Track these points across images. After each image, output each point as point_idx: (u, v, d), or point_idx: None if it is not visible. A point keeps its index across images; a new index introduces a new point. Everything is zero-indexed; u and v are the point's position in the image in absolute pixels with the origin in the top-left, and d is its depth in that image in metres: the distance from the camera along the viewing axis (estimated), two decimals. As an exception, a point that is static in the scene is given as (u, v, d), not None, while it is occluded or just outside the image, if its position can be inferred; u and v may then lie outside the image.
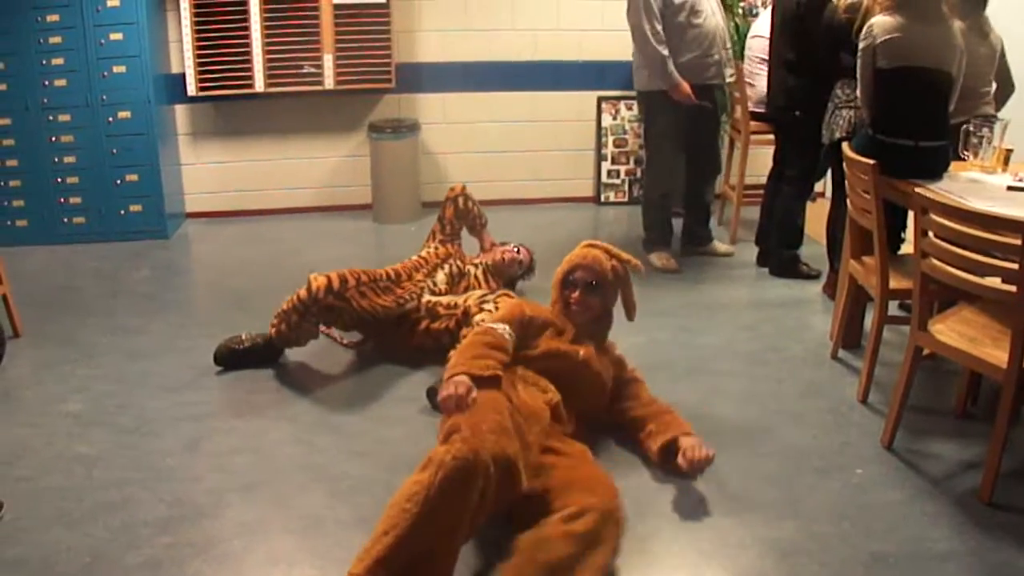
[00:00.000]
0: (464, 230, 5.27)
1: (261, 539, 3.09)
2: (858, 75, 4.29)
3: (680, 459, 3.43)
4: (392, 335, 4.60)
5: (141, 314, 5.25)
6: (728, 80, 5.88)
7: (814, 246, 5.93)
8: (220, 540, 3.08)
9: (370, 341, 4.72)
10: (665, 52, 5.46)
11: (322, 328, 4.60)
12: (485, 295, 4.49)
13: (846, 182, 4.29)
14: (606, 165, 7.55)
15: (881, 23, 4.14)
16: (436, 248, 5.04)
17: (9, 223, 6.47)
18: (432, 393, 3.94)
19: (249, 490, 3.41)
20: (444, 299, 4.59)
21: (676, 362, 4.55)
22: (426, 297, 4.59)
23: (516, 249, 5.19)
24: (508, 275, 5.13)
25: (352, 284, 4.33)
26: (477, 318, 4.23)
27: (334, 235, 6.79)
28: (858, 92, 4.38)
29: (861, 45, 4.22)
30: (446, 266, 4.90)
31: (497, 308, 4.22)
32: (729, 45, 5.81)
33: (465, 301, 4.47)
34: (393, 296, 4.51)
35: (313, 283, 4.26)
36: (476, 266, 5.02)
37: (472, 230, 5.28)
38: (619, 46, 6.96)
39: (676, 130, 5.73)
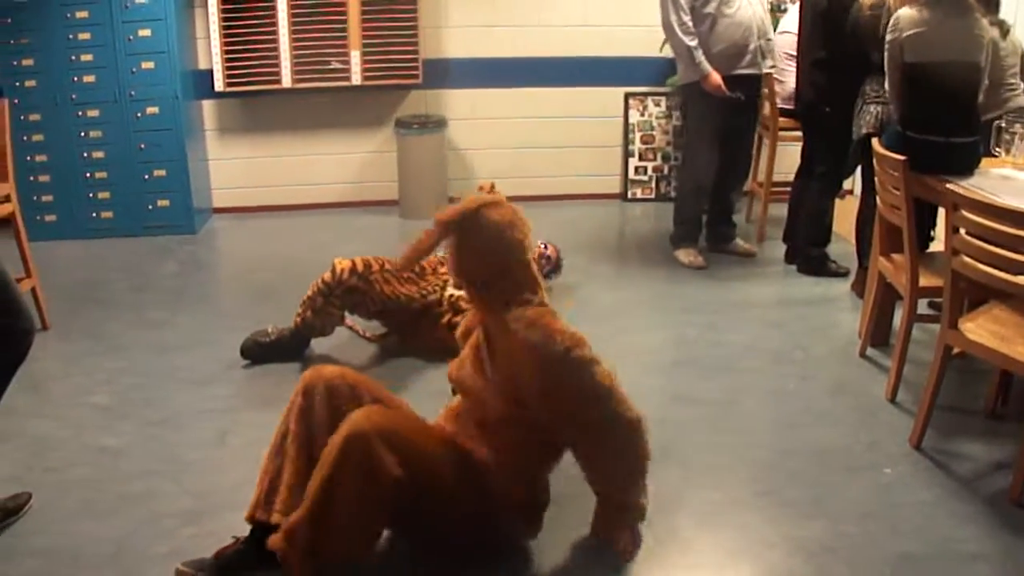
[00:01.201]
0: None
1: (286, 532, 3.09)
2: (885, 70, 4.26)
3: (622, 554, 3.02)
4: (415, 329, 4.61)
5: (168, 308, 5.28)
6: (766, 71, 5.83)
7: (842, 243, 5.89)
8: (244, 533, 3.08)
9: (393, 335, 4.72)
10: (692, 43, 5.45)
11: (346, 321, 4.63)
12: None
13: (875, 179, 4.26)
14: (633, 161, 7.53)
15: (907, 16, 4.11)
16: None
17: (38, 218, 6.50)
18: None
19: (274, 483, 3.41)
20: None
21: (703, 359, 4.54)
22: (449, 291, 4.59)
23: (543, 245, 5.18)
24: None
25: (376, 268, 4.39)
26: None
27: (360, 231, 6.79)
28: (886, 87, 4.34)
29: (888, 39, 4.19)
30: None
31: None
32: (771, 36, 5.78)
33: None
34: (417, 287, 4.54)
35: (337, 266, 4.34)
36: None
37: None
38: (647, 42, 6.98)
39: (712, 123, 5.71)
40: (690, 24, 5.46)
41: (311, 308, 4.39)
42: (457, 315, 4.50)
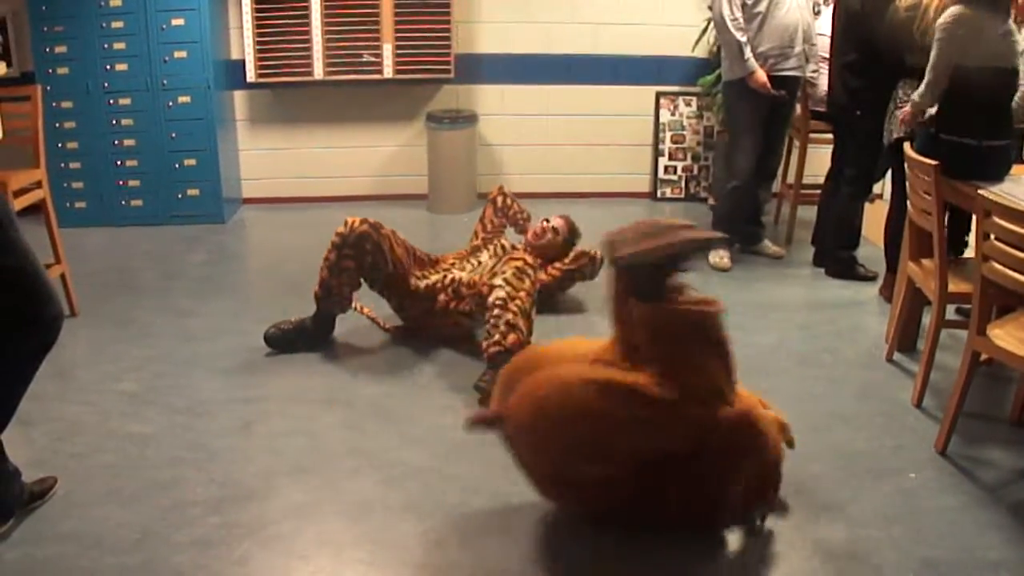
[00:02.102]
0: (511, 229, 5.30)
1: (310, 522, 3.12)
2: (934, 65, 4.20)
3: None
4: (429, 320, 4.66)
5: (196, 297, 5.31)
6: (810, 74, 5.83)
7: (871, 247, 5.86)
8: (270, 522, 3.11)
9: (409, 326, 4.77)
10: (742, 39, 5.46)
11: (367, 311, 4.77)
12: (495, 265, 4.45)
13: (907, 183, 4.23)
14: (663, 160, 7.51)
15: (959, 16, 4.06)
16: (479, 243, 5.06)
17: (68, 205, 6.55)
18: (479, 389, 4.00)
19: (300, 473, 3.43)
20: (465, 276, 4.61)
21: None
22: (453, 274, 4.61)
23: (545, 220, 5.20)
24: (550, 246, 5.11)
25: (388, 230, 4.54)
26: (492, 297, 4.13)
27: (389, 224, 6.61)
28: (926, 81, 4.26)
29: (940, 36, 4.13)
30: (490, 247, 4.93)
31: (507, 281, 4.14)
32: (815, 41, 5.76)
33: (480, 278, 4.45)
34: (422, 272, 4.68)
35: (348, 219, 4.48)
36: (522, 249, 4.99)
37: (516, 227, 5.32)
38: (679, 41, 6.97)
39: (753, 122, 5.70)
40: (741, 20, 5.47)
41: (327, 267, 4.46)
42: (459, 302, 4.51)
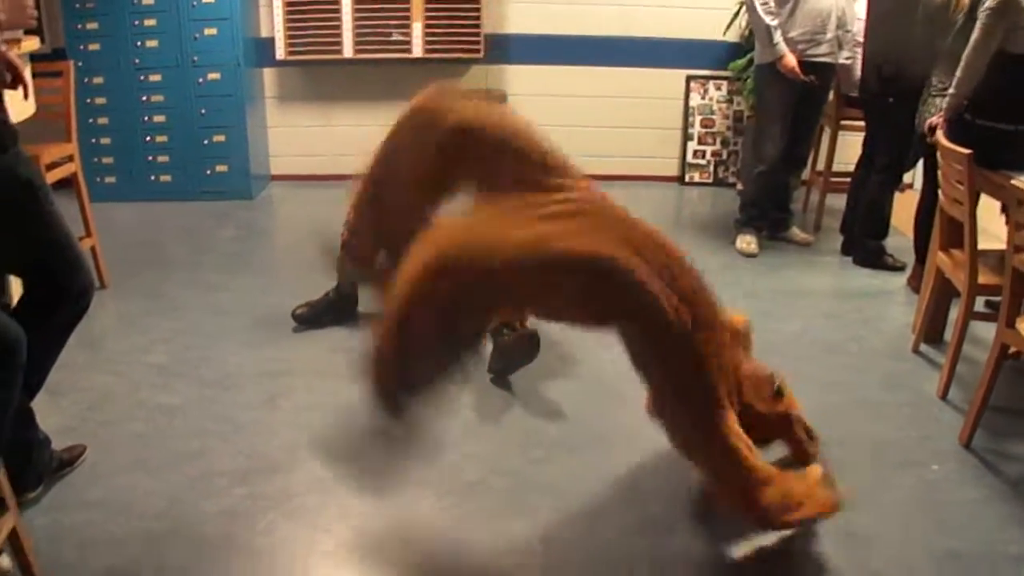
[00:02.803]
0: None
1: (334, 495, 3.13)
2: (974, 47, 4.13)
3: None
4: None
5: (224, 272, 5.35)
6: (842, 61, 5.74)
7: (899, 237, 5.83)
8: (294, 494, 3.13)
9: None
10: (772, 22, 5.43)
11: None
12: None
13: (939, 172, 4.20)
14: (692, 145, 7.48)
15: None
16: None
17: (98, 179, 6.59)
18: (492, 371, 4.02)
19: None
20: None
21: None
22: None
23: None
24: None
25: None
26: None
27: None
28: (962, 66, 4.20)
29: (985, 21, 4.08)
30: None
31: None
32: (850, 28, 5.66)
33: None
34: None
35: None
36: None
37: None
38: (710, 25, 6.94)
39: (783, 107, 5.66)
40: (772, 4, 5.44)
41: (348, 229, 4.45)
42: None
